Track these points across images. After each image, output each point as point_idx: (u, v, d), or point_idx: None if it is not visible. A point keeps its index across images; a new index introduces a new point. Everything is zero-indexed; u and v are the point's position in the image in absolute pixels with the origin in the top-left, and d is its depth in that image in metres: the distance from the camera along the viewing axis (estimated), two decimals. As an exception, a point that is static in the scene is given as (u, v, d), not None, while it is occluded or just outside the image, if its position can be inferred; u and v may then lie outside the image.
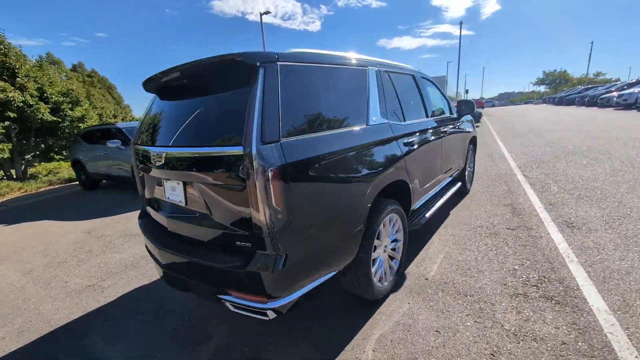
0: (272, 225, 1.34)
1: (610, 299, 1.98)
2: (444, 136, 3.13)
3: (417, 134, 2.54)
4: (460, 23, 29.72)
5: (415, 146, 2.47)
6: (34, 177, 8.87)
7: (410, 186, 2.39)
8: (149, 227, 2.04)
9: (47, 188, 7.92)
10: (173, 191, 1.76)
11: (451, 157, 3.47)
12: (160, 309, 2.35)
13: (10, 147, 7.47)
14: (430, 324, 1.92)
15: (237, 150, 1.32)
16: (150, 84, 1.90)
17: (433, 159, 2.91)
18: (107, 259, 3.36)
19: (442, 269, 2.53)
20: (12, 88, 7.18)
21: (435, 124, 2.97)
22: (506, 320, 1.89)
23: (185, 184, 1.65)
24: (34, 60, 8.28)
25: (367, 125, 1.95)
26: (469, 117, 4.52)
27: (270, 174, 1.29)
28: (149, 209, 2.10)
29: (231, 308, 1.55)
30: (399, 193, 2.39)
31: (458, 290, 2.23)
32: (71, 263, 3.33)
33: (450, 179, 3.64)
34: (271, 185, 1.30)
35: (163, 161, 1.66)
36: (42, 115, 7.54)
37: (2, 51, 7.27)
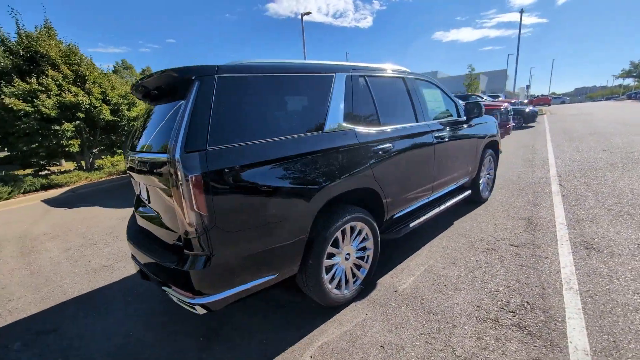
0: (195, 227, 1.45)
1: (597, 337, 1.71)
2: (442, 141, 2.93)
3: (398, 139, 2.43)
4: (521, 11, 26.63)
5: (394, 152, 2.37)
6: (100, 168, 10.34)
7: (381, 195, 2.31)
8: (131, 222, 2.31)
9: (107, 178, 9.18)
10: (143, 191, 1.97)
11: (454, 163, 3.23)
12: (149, 292, 2.63)
13: (79, 142, 8.82)
14: (378, 338, 1.86)
15: (165, 157, 1.45)
16: (134, 92, 2.14)
17: (423, 166, 2.75)
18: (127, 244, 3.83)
19: (417, 282, 2.41)
20: (83, 92, 8.46)
21: (428, 129, 2.80)
22: (461, 345, 1.75)
23: (147, 185, 1.84)
24: (100, 68, 9.64)
25: (322, 132, 1.94)
26: (492, 118, 4.14)
27: (191, 180, 1.40)
28: (135, 205, 2.38)
29: (174, 300, 1.70)
30: (368, 201, 2.34)
31: (423, 307, 2.11)
32: (99, 245, 3.88)
33: (454, 186, 3.39)
34: (192, 191, 1.40)
35: (130, 164, 1.88)
36: (104, 115, 8.74)
37: (76, 61, 8.62)
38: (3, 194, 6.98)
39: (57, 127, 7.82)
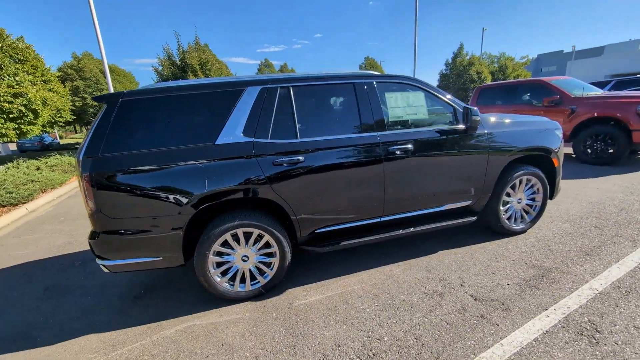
0: (91, 210, 2.05)
1: None
2: (402, 155, 2.48)
3: (316, 152, 2.31)
4: None
5: (308, 166, 2.29)
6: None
7: (287, 208, 2.31)
8: None
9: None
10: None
11: (433, 181, 2.65)
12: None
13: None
14: (228, 337, 2.02)
15: (79, 160, 2.10)
16: None
17: (362, 183, 2.44)
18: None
19: (318, 303, 2.30)
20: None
21: (375, 141, 2.44)
22: (276, 373, 1.70)
23: None
24: (224, 70, 12.24)
25: (213, 144, 2.16)
26: (544, 123, 3.06)
27: (83, 177, 1.99)
28: None
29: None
30: (276, 211, 2.39)
31: (293, 327, 2.06)
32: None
33: (437, 209, 2.77)
34: (84, 184, 2.00)
35: None
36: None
37: (208, 67, 11.30)
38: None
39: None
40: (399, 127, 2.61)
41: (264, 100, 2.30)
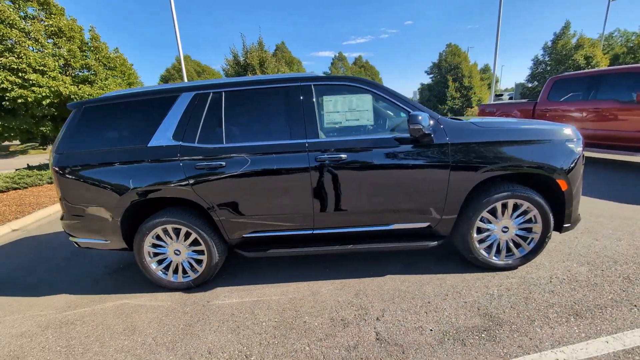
0: (58, 197, 2.54)
1: None
2: (333, 165, 2.26)
3: (236, 158, 2.31)
4: None
5: (228, 171, 2.32)
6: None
7: (210, 210, 2.40)
8: None
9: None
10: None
11: (367, 196, 2.33)
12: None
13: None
14: (140, 322, 2.25)
15: (54, 156, 2.60)
16: None
17: (286, 192, 2.32)
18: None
19: (229, 306, 2.34)
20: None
21: (302, 149, 2.28)
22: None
23: None
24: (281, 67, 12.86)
25: (146, 146, 2.39)
26: (554, 135, 2.35)
27: (54, 169, 2.47)
28: None
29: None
30: (205, 212, 2.50)
31: (191, 324, 2.17)
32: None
33: (383, 227, 2.42)
34: (54, 176, 2.48)
35: None
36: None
37: (266, 66, 12.04)
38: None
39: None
40: (335, 133, 2.38)
41: (195, 105, 2.41)
